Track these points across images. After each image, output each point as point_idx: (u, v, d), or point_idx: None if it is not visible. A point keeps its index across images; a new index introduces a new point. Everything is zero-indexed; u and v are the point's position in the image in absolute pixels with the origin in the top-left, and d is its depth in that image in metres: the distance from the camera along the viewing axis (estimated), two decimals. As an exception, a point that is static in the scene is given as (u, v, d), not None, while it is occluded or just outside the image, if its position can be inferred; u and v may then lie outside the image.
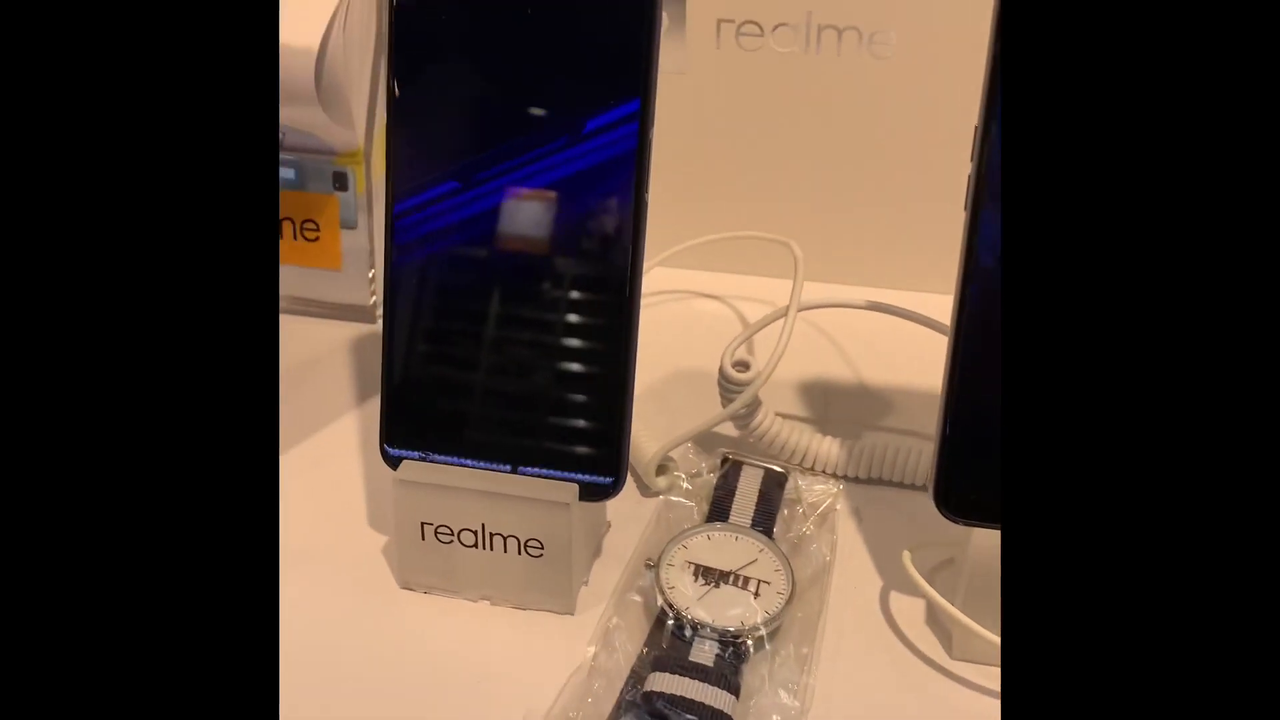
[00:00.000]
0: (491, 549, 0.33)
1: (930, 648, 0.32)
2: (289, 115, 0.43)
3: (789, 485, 0.36)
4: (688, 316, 0.49)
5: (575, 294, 0.32)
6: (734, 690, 0.29)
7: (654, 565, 0.32)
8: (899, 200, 0.47)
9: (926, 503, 0.31)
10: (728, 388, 0.37)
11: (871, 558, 0.35)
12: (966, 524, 0.30)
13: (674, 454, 0.38)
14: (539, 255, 0.32)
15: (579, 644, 0.32)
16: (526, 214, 0.31)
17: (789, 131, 0.46)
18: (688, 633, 0.31)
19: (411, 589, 0.34)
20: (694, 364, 0.43)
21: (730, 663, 0.30)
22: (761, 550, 0.33)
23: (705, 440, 0.39)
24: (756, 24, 0.44)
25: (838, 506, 0.36)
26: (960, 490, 0.30)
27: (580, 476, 0.32)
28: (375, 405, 0.42)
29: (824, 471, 0.38)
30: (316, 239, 0.47)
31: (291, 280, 0.48)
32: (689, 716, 0.28)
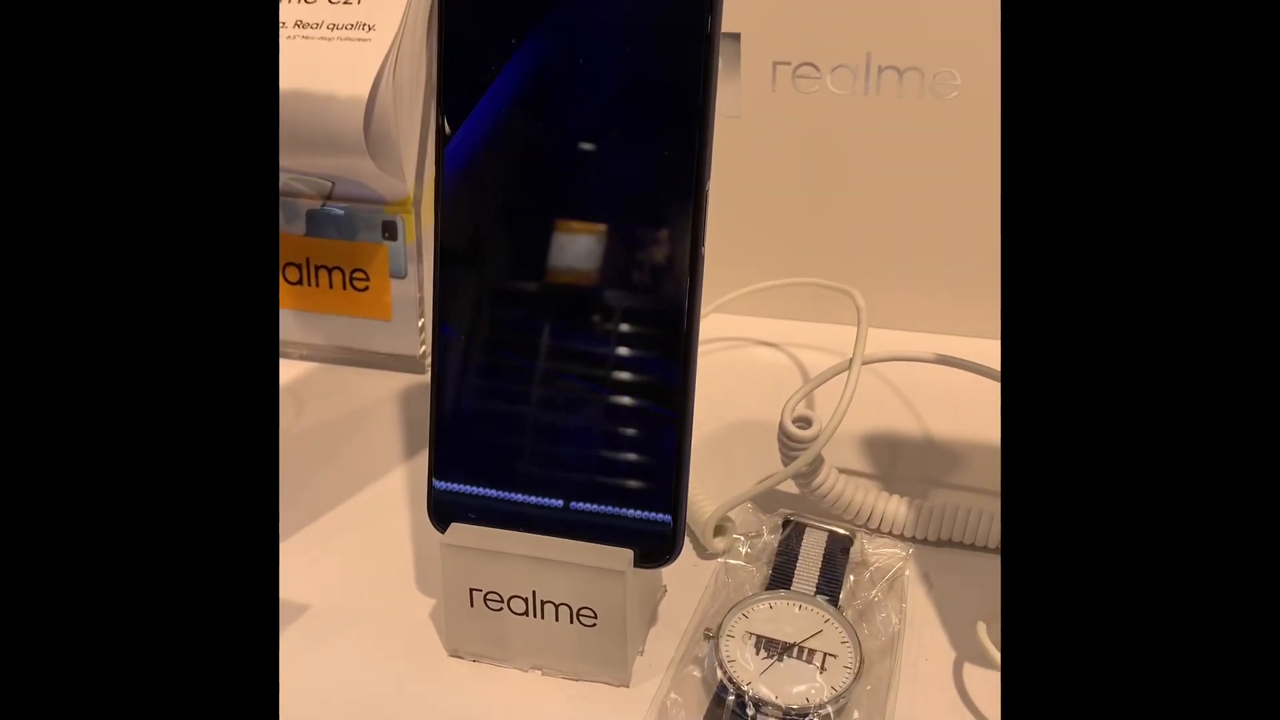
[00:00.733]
0: (543, 617, 0.31)
1: (1009, 727, 0.30)
2: (338, 165, 0.43)
3: (854, 548, 0.34)
4: (745, 365, 0.48)
5: (628, 348, 0.30)
6: (800, 775, 0.27)
7: (713, 636, 0.31)
8: (962, 244, 0.45)
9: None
10: (789, 445, 0.35)
11: (944, 627, 0.33)
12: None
13: (732, 513, 0.36)
14: (591, 300, 0.30)
15: (633, 718, 0.31)
16: (578, 253, 0.30)
17: (848, 175, 0.45)
18: (750, 711, 0.29)
19: (460, 656, 0.33)
20: (752, 415, 0.42)
21: (796, 744, 0.28)
22: (827, 620, 0.31)
23: (764, 497, 0.37)
24: (814, 65, 0.42)
25: (906, 571, 0.34)
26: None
27: (636, 530, 0.31)
28: (424, 460, 0.42)
29: (890, 533, 0.36)
30: (366, 289, 0.46)
31: (341, 330, 0.47)
32: (752, 803, 0.26)
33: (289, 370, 0.48)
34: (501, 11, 0.29)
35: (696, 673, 0.32)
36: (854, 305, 0.38)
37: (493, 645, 0.32)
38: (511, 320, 0.31)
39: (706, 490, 0.37)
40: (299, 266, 0.47)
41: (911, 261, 0.46)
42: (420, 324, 0.47)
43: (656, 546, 0.31)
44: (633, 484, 0.31)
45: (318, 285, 0.47)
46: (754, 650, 0.30)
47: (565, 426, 0.31)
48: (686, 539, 0.34)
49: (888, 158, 0.44)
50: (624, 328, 0.30)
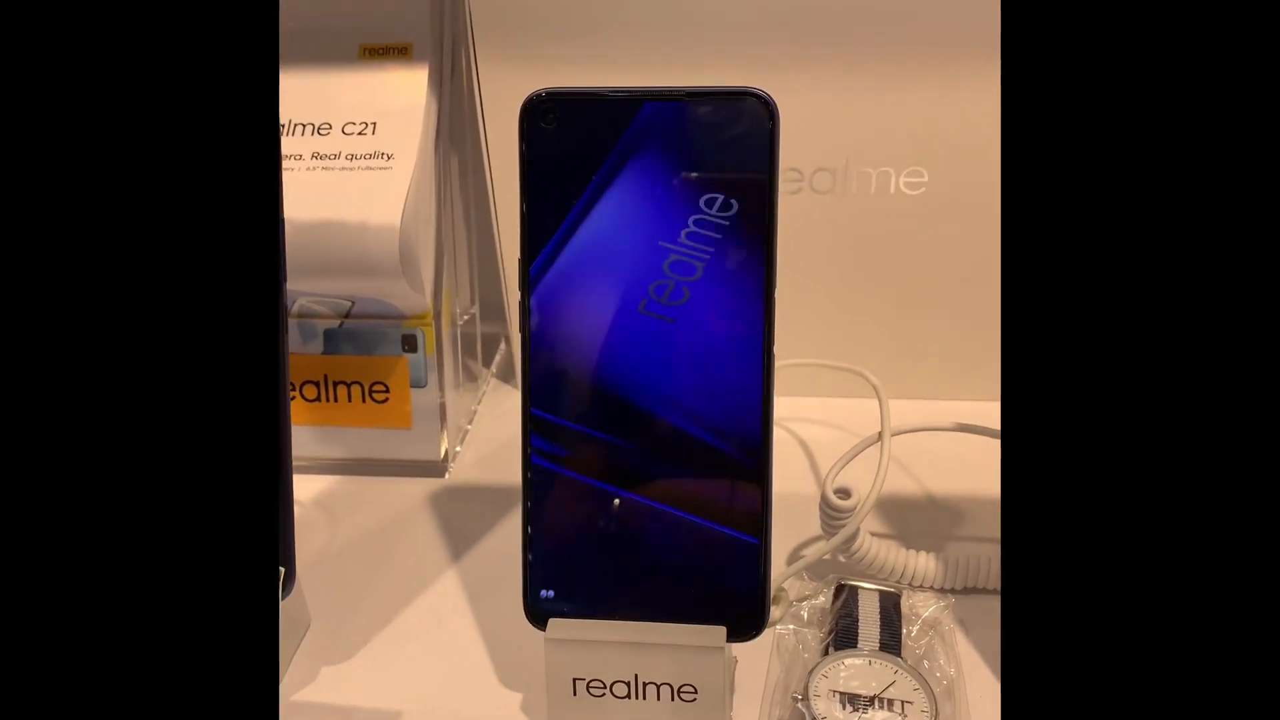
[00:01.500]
0: (644, 698, 0.34)
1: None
2: (368, 287, 0.45)
3: (903, 603, 0.38)
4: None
5: (710, 444, 0.34)
6: (912, 813, 0.31)
7: (802, 699, 0.34)
8: (955, 316, 0.50)
9: None
10: (831, 515, 0.39)
11: (991, 667, 0.37)
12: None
13: (785, 583, 0.40)
14: (674, 427, 0.34)
15: (738, 783, 0.34)
16: (659, 384, 0.34)
17: (840, 263, 0.50)
18: (850, 761, 0.32)
19: (562, 745, 0.35)
20: (784, 488, 0.45)
21: (898, 786, 0.32)
22: (896, 671, 0.35)
23: (794, 562, 0.41)
24: (798, 170, 0.47)
25: (950, 621, 0.38)
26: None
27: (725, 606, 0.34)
28: (470, 560, 0.44)
29: (921, 586, 0.40)
30: (386, 400, 0.48)
31: (361, 442, 0.49)
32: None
33: (313, 485, 0.49)
34: (579, 147, 0.33)
35: (785, 733, 0.35)
36: (867, 383, 0.43)
37: (594, 730, 0.35)
38: (598, 446, 0.34)
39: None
40: (317, 384, 0.48)
41: (912, 334, 0.51)
42: (442, 430, 0.49)
43: (745, 622, 0.34)
44: (724, 569, 0.34)
45: (336, 400, 0.48)
46: (841, 706, 0.34)
47: (652, 545, 0.34)
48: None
49: (868, 248, 0.49)
50: (706, 452, 0.34)
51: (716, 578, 0.34)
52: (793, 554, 0.43)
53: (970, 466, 0.48)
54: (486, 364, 0.58)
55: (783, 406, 0.54)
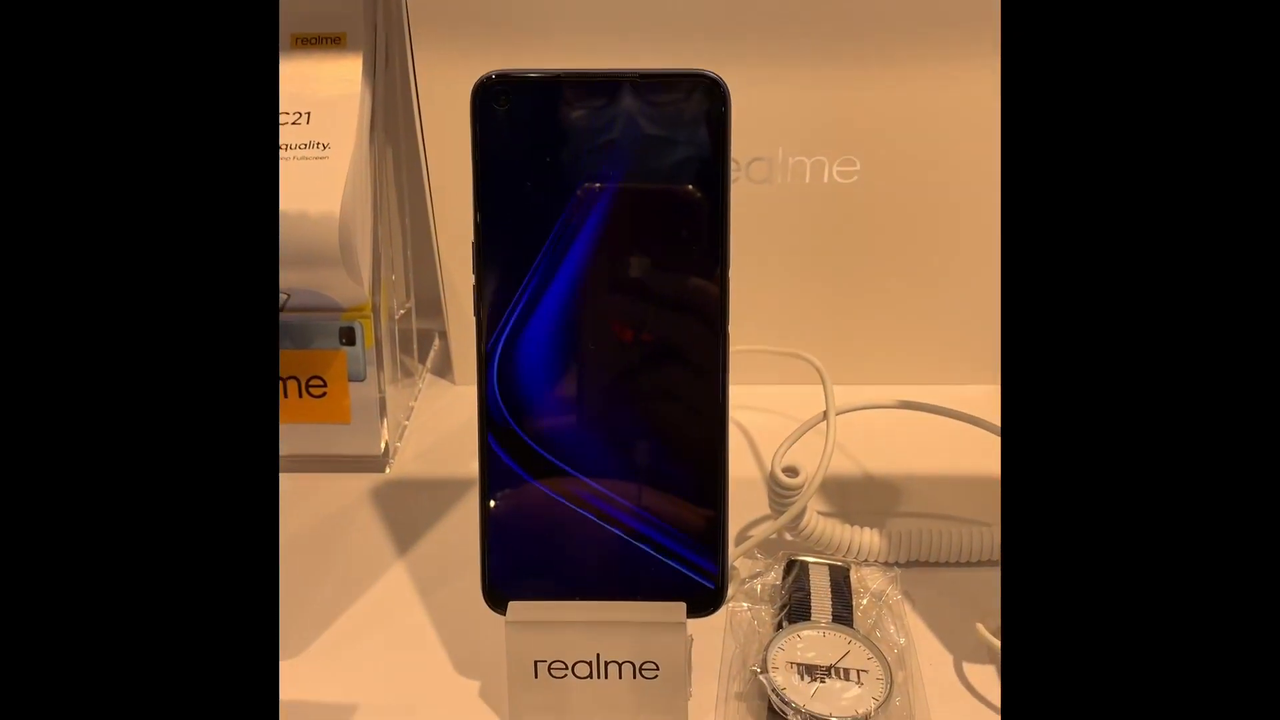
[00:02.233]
0: (605, 677, 0.34)
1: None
2: (307, 278, 0.44)
3: (852, 576, 0.39)
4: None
5: (667, 422, 0.34)
6: (874, 774, 0.32)
7: (762, 671, 0.35)
8: (894, 302, 0.52)
9: (971, 577, 0.35)
10: (780, 493, 0.40)
11: (938, 635, 0.39)
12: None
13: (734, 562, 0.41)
14: (632, 384, 0.34)
15: (700, 757, 0.34)
16: (618, 360, 0.34)
17: (780, 251, 0.51)
18: (810, 729, 0.33)
19: (523, 728, 0.35)
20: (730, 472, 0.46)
21: (859, 751, 0.33)
22: (850, 641, 0.36)
23: (743, 541, 0.42)
24: (734, 160, 0.48)
25: (897, 593, 0.40)
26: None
27: (684, 585, 0.35)
28: (418, 553, 0.44)
29: (867, 561, 0.42)
30: (324, 395, 0.48)
31: (299, 438, 0.48)
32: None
33: (249, 483, 0.48)
34: (531, 129, 0.33)
35: (742, 704, 0.35)
36: (807, 370, 0.44)
37: (555, 713, 0.35)
38: (554, 428, 0.35)
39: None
40: (251, 379, 0.47)
41: (850, 321, 0.52)
42: (383, 424, 0.48)
43: (704, 599, 0.35)
44: (682, 547, 0.35)
45: (272, 396, 0.47)
46: (799, 677, 0.35)
47: (611, 525, 0.35)
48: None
49: (805, 236, 0.50)
50: (663, 430, 0.34)
51: (675, 555, 0.35)
52: (741, 534, 0.44)
53: (912, 445, 0.49)
54: (422, 360, 0.57)
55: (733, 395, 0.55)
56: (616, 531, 0.35)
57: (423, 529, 0.45)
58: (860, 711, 0.33)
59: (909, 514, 0.46)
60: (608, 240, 0.33)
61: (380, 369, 0.48)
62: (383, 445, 0.49)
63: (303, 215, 0.43)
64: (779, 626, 0.37)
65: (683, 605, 0.34)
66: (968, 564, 0.42)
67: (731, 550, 0.40)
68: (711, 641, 0.38)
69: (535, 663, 0.34)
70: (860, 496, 0.47)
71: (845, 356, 0.52)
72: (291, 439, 0.48)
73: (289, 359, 0.47)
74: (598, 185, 0.33)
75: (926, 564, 0.42)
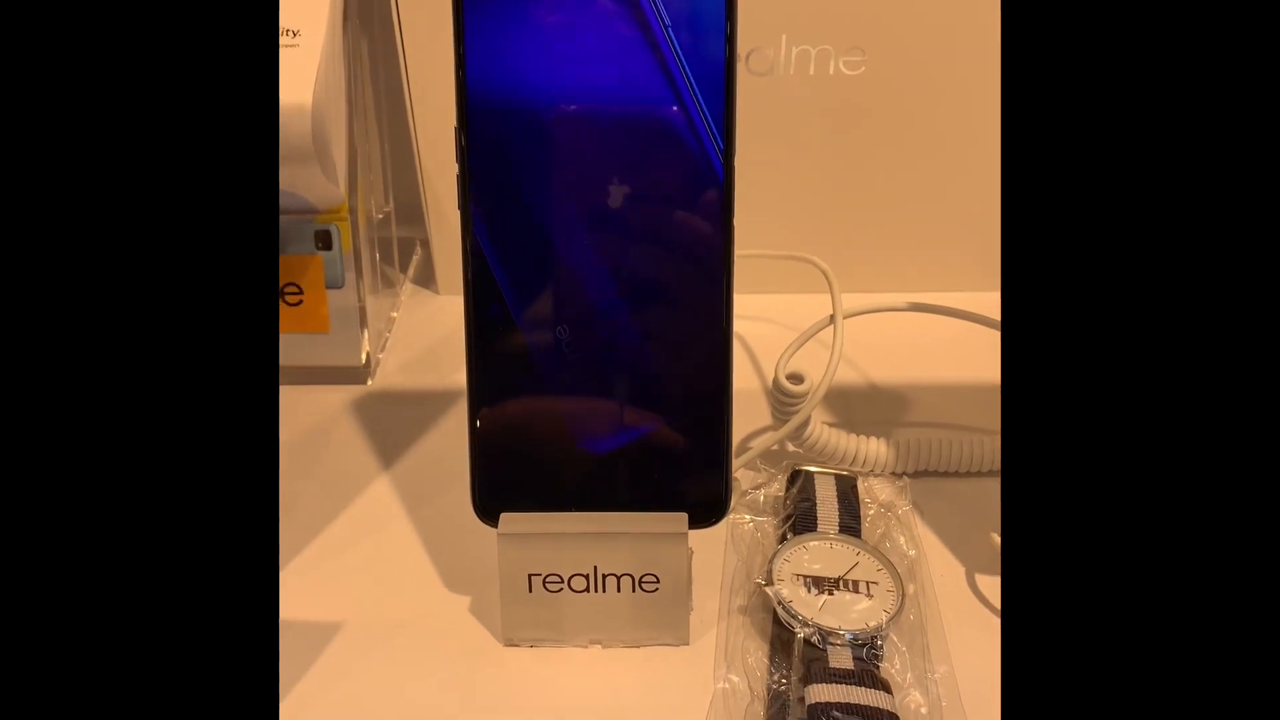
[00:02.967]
0: (604, 591, 0.33)
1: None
2: (281, 177, 0.41)
3: (860, 487, 0.38)
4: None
5: (669, 323, 0.32)
6: (887, 689, 0.30)
7: (767, 583, 0.33)
8: (907, 204, 0.50)
9: (981, 487, 0.34)
10: (783, 401, 0.38)
11: (949, 546, 0.37)
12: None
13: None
14: (631, 278, 0.32)
15: (702, 671, 0.33)
16: (616, 254, 0.32)
17: (782, 150, 0.48)
18: (817, 641, 0.32)
19: (516, 644, 0.34)
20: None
21: (871, 663, 0.31)
22: (859, 553, 0.34)
23: (743, 452, 0.40)
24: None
25: (906, 503, 0.38)
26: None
27: (685, 495, 0.33)
28: (403, 466, 0.42)
29: (874, 471, 0.40)
30: (300, 303, 0.45)
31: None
32: (858, 722, 0.29)
33: (223, 396, 0.46)
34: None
35: (746, 619, 0.34)
36: (812, 276, 0.42)
37: (550, 628, 0.33)
38: (550, 331, 0.32)
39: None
40: (223, 287, 0.45)
41: (857, 220, 0.50)
42: (364, 334, 0.46)
43: (706, 509, 0.33)
44: (682, 455, 0.33)
45: (245, 304, 0.45)
46: (805, 590, 0.33)
47: (608, 431, 0.33)
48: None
49: (809, 130, 0.48)
50: (665, 332, 0.32)
51: (675, 463, 0.33)
52: (742, 444, 0.42)
53: (921, 351, 0.47)
54: (403, 269, 0.55)
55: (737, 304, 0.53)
56: (614, 439, 0.33)
57: (407, 442, 0.44)
58: (871, 624, 0.32)
59: (918, 423, 0.44)
60: (600, 135, 0.31)
61: (359, 275, 0.45)
62: (364, 356, 0.46)
63: (272, 107, 0.40)
64: (783, 539, 0.36)
65: (684, 516, 0.33)
66: (978, 474, 0.40)
67: (739, 461, 0.38)
68: (712, 555, 0.37)
69: (529, 576, 0.33)
70: (867, 405, 0.45)
71: (850, 262, 0.50)
72: (267, 350, 0.46)
73: (262, 265, 0.45)
74: (592, 69, 0.31)
75: (936, 473, 0.40)
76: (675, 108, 0.31)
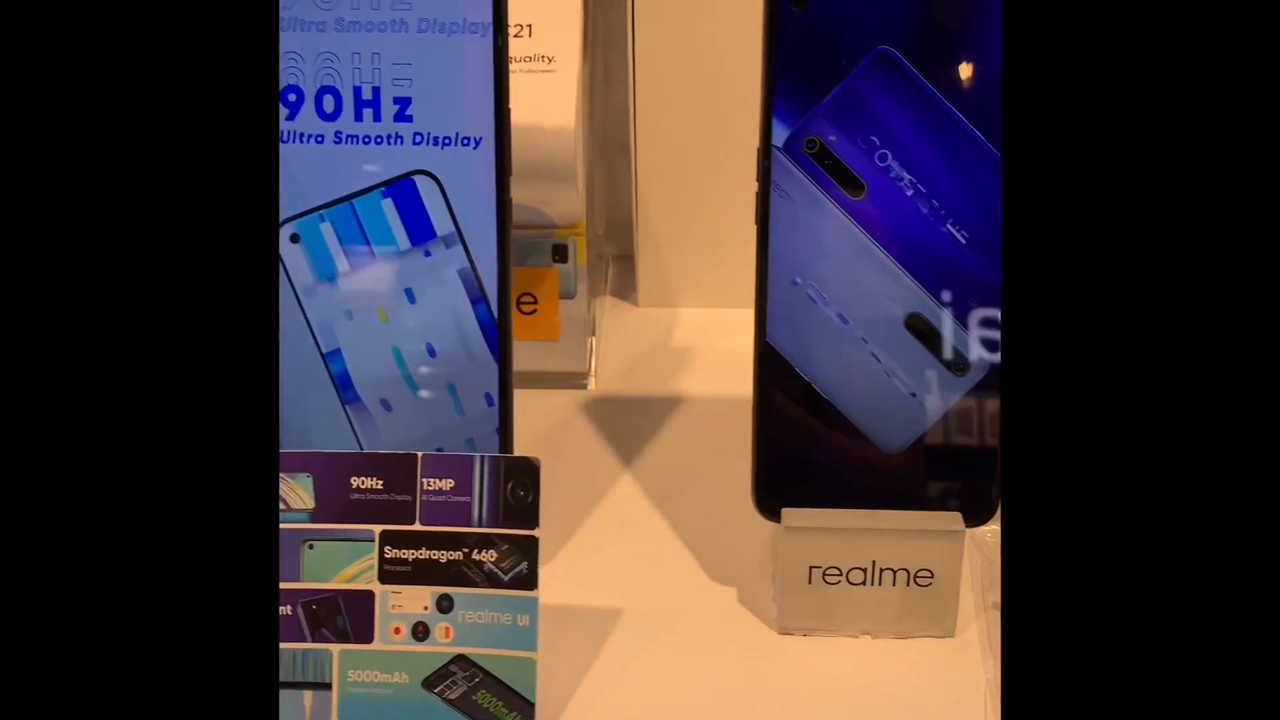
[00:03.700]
0: (879, 584, 0.35)
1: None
2: (537, 194, 0.44)
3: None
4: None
5: (942, 322, 0.35)
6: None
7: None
8: None
9: None
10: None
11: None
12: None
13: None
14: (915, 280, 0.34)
15: (969, 661, 0.35)
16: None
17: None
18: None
19: (790, 633, 0.36)
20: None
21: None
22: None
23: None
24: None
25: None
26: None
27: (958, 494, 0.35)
28: (643, 467, 0.44)
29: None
30: (534, 311, 0.48)
31: (506, 354, 0.49)
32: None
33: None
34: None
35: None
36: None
37: (824, 618, 0.36)
38: (831, 332, 0.35)
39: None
40: (462, 296, 0.48)
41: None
42: (590, 341, 0.49)
43: (978, 508, 0.35)
44: (959, 456, 0.35)
45: (481, 313, 0.48)
46: (1068, 587, 0.35)
47: (884, 431, 0.35)
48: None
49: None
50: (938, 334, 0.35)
51: (951, 464, 0.35)
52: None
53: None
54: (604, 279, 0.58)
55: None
56: (893, 440, 0.35)
57: (639, 444, 0.46)
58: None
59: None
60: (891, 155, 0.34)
61: (590, 284, 0.48)
62: (590, 363, 0.49)
63: (537, 129, 0.43)
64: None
65: (958, 515, 0.35)
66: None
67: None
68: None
69: (810, 568, 0.35)
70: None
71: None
72: (499, 355, 0.49)
73: (500, 276, 0.48)
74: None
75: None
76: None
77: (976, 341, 0.35)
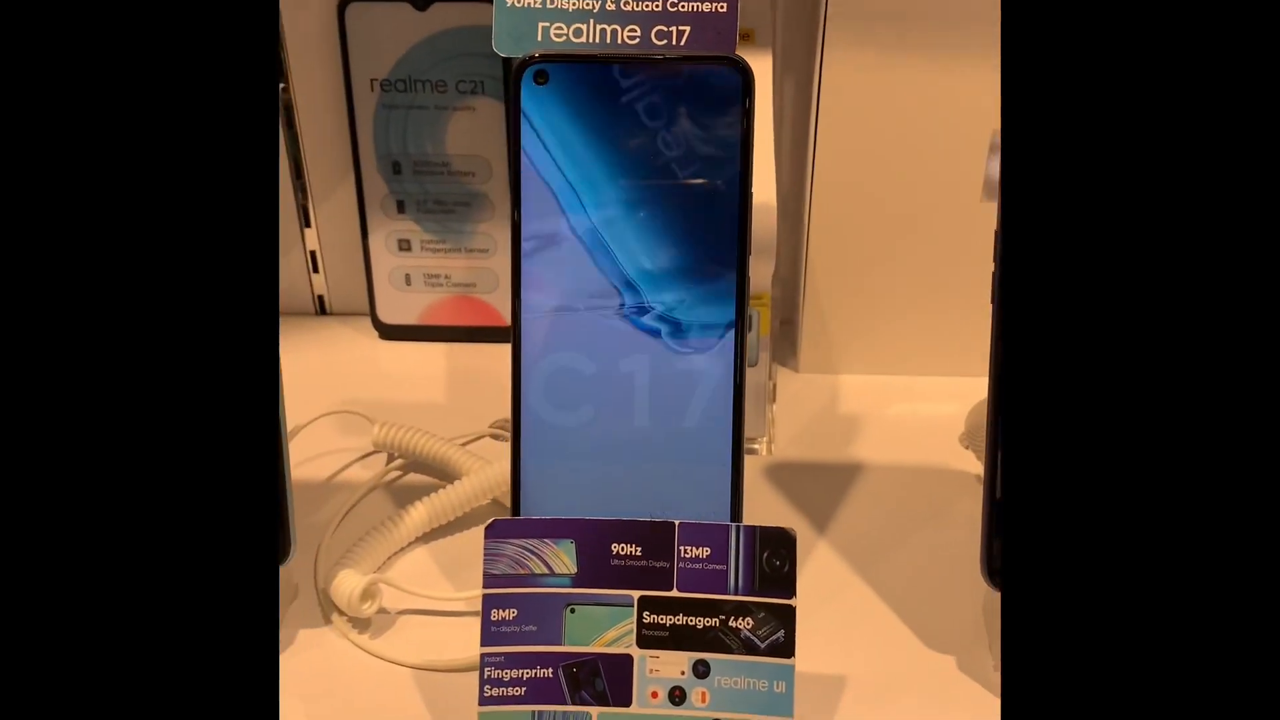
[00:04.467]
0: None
1: None
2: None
3: None
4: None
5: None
6: None
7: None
8: None
9: None
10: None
11: None
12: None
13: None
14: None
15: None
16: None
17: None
18: None
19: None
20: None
21: None
22: None
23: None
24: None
25: None
26: None
27: None
28: (834, 534, 0.46)
29: None
30: (718, 379, 0.50)
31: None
32: None
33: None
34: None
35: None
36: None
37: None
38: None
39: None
40: (647, 363, 0.50)
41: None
42: (770, 408, 0.50)
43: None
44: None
45: (665, 379, 0.50)
46: None
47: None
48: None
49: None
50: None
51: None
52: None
53: None
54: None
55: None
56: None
57: (828, 512, 0.47)
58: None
59: None
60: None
61: (771, 354, 0.50)
62: (767, 429, 0.51)
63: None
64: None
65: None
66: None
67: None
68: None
69: (1042, 639, 0.36)
70: None
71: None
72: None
73: (685, 344, 0.50)
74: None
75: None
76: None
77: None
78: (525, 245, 0.36)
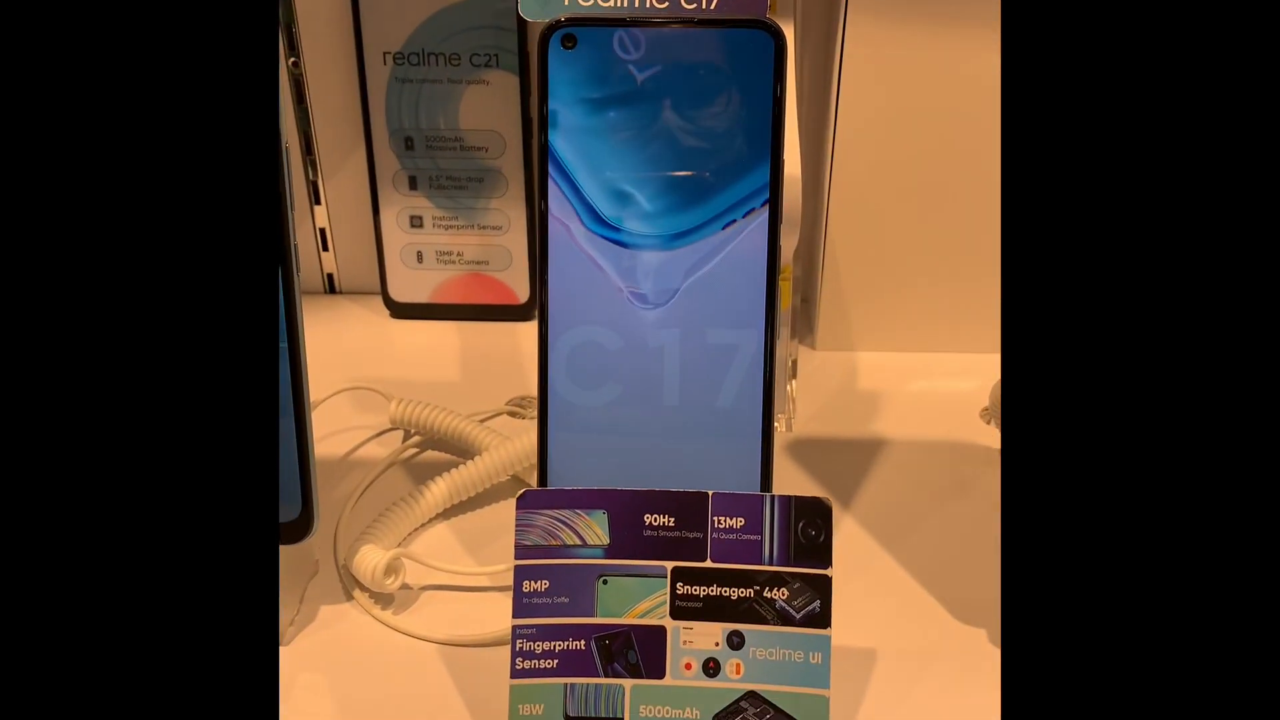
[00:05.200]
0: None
1: None
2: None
3: None
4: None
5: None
6: None
7: None
8: None
9: None
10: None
11: None
12: None
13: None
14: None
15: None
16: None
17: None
18: None
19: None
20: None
21: None
22: None
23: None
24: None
25: None
26: None
27: None
28: (861, 508, 0.45)
29: None
30: (738, 354, 0.49)
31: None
32: None
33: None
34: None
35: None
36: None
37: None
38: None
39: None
40: (667, 339, 0.49)
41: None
42: (792, 384, 0.50)
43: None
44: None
45: (684, 355, 0.49)
46: None
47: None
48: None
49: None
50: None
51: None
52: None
53: None
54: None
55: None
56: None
57: (852, 487, 0.47)
58: None
59: None
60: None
61: (793, 330, 0.49)
62: (790, 406, 0.50)
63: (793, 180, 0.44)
64: None
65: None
66: None
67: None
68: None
69: (1077, 610, 0.36)
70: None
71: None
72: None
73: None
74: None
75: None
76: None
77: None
78: (551, 225, 0.35)
